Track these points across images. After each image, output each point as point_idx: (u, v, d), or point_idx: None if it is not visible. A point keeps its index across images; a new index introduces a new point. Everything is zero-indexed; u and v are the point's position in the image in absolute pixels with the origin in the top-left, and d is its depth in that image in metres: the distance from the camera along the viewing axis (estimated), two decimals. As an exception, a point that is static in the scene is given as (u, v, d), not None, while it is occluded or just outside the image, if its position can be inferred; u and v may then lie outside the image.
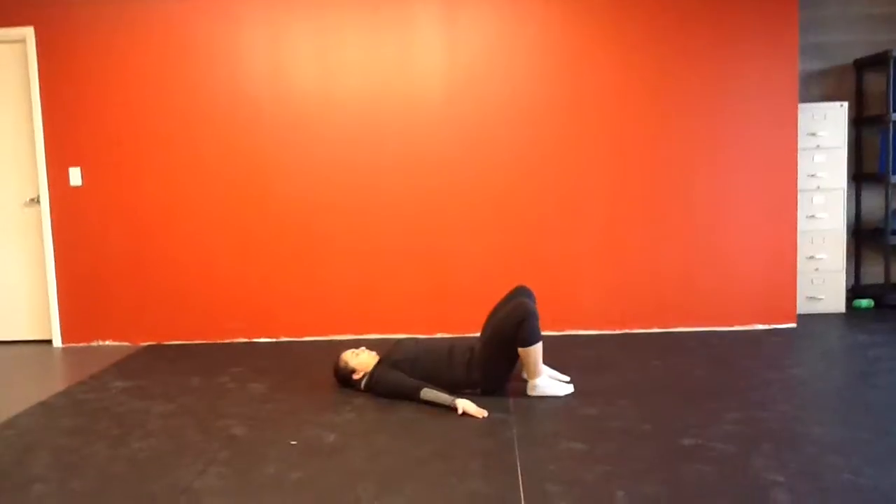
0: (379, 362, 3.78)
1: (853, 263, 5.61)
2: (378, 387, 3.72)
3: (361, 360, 3.83)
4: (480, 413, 3.39)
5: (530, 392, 3.66)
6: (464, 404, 3.42)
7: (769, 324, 4.94)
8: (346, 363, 3.86)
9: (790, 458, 2.80)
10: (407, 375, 3.66)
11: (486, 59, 4.85)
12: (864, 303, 5.42)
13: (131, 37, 4.98)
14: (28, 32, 5.02)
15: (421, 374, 3.66)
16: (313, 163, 4.98)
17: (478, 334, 3.91)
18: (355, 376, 3.83)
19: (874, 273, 5.65)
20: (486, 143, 4.91)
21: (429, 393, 3.53)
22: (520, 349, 3.56)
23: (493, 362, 3.64)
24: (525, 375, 3.75)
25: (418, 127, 4.92)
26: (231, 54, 4.95)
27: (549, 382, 3.66)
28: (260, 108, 4.97)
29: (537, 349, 3.57)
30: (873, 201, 5.60)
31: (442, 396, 3.49)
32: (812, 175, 5.23)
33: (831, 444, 2.92)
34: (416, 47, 4.87)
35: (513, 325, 3.53)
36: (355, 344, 4.68)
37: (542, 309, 4.44)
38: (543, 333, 3.72)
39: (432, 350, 3.75)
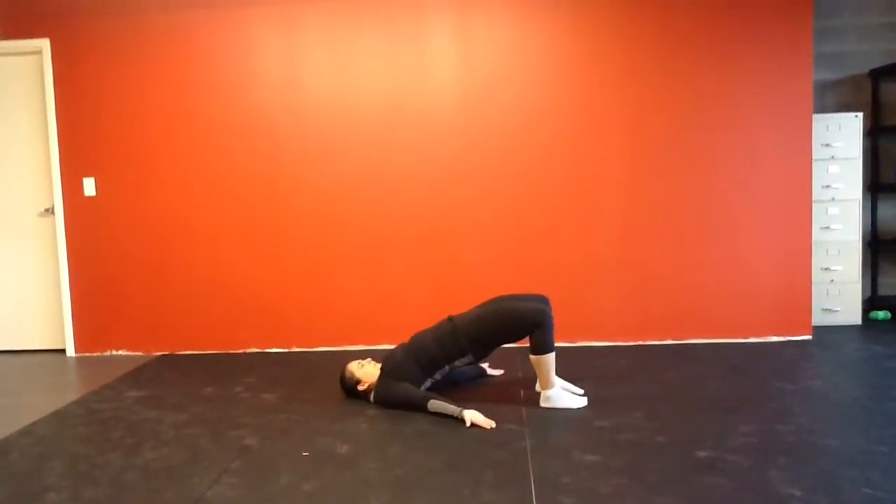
0: (380, 376, 3.78)
1: (869, 275, 5.56)
2: (385, 400, 3.72)
3: (366, 372, 3.84)
4: (488, 423, 3.37)
5: (543, 403, 3.64)
6: (471, 415, 3.40)
7: (784, 335, 4.90)
8: (352, 374, 3.86)
9: (807, 471, 2.76)
10: (410, 380, 3.67)
11: (500, 70, 4.86)
12: (881, 314, 5.37)
13: (146, 49, 5.03)
14: (44, 44, 5.08)
15: (419, 368, 3.68)
16: (326, 174, 5.00)
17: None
18: (360, 387, 3.83)
19: (891, 284, 5.59)
20: (499, 154, 4.91)
21: (436, 404, 3.52)
22: (532, 357, 3.56)
23: (483, 338, 3.65)
24: (538, 387, 3.74)
25: (432, 138, 4.93)
26: (246, 65, 4.98)
27: (563, 394, 3.64)
28: (274, 120, 5.00)
29: (550, 359, 3.56)
30: (889, 212, 5.55)
31: (449, 408, 3.48)
32: (827, 186, 5.20)
33: (849, 457, 2.89)
34: (431, 59, 4.88)
35: (525, 326, 3.54)
36: (367, 355, 4.68)
37: (557, 319, 4.42)
38: (558, 344, 3.71)
39: (416, 346, 3.75)
